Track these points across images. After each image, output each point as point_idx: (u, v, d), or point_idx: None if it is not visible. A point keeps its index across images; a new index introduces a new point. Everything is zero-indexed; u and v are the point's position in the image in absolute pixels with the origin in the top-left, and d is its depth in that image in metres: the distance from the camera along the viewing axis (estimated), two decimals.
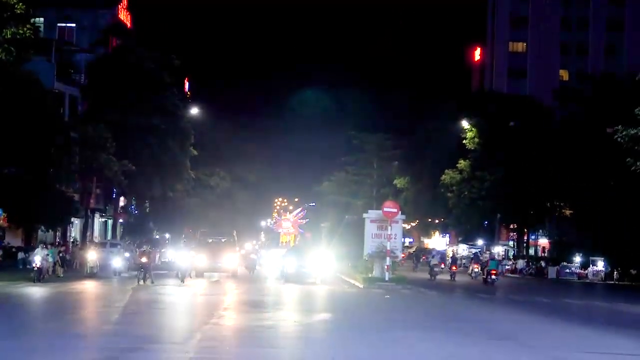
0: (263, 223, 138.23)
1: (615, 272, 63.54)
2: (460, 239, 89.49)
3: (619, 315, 30.92)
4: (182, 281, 38.18)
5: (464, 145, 72.50)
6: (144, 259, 38.91)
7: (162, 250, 60.00)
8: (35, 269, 35.69)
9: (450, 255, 66.58)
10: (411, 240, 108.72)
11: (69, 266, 43.26)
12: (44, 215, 46.52)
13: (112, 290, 34.05)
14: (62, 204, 48.22)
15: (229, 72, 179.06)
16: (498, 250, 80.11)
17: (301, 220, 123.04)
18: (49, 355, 15.49)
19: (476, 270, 54.96)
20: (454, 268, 53.26)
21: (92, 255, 42.93)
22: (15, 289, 31.90)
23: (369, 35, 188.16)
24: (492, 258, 56.33)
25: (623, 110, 42.64)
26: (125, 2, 73.44)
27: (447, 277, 51.98)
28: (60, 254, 41.76)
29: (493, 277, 47.45)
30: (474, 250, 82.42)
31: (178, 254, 41.10)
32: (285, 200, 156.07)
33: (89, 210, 60.29)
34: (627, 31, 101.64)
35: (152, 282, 37.41)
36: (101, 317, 23.52)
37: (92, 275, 41.41)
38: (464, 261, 79.45)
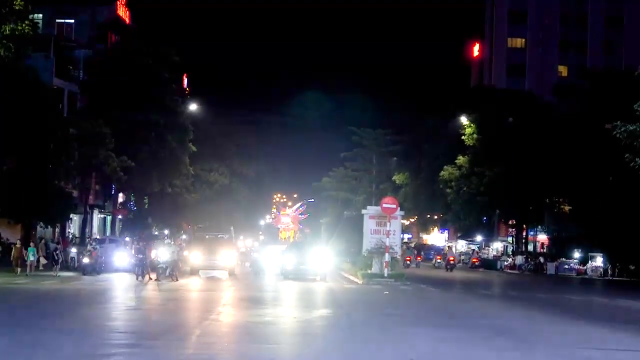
0: (262, 222, 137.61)
1: (614, 268, 63.57)
2: (459, 234, 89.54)
3: (619, 311, 30.93)
4: (158, 279, 36.55)
5: (463, 141, 72.49)
6: (140, 255, 38.77)
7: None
8: None
9: (446, 250, 75.04)
10: (410, 236, 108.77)
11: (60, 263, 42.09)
12: (42, 212, 46.41)
13: (105, 288, 33.99)
14: (61, 200, 48.11)
15: (228, 68, 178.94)
16: (497, 245, 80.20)
17: (301, 216, 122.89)
18: (47, 351, 15.48)
19: (439, 261, 67.32)
20: (419, 258, 70.12)
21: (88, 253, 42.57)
22: None
23: (368, 32, 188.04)
24: (407, 247, 69.53)
25: (622, 106, 42.58)
26: None
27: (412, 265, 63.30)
28: (57, 251, 41.09)
29: (408, 262, 59.79)
30: (473, 247, 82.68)
31: (160, 250, 39.36)
32: (284, 196, 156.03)
33: (87, 207, 60.26)
34: (626, 27, 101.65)
35: (150, 279, 37.39)
36: (101, 315, 23.51)
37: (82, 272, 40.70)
38: (462, 257, 79.70)
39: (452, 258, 63.91)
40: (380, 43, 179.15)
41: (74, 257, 43.12)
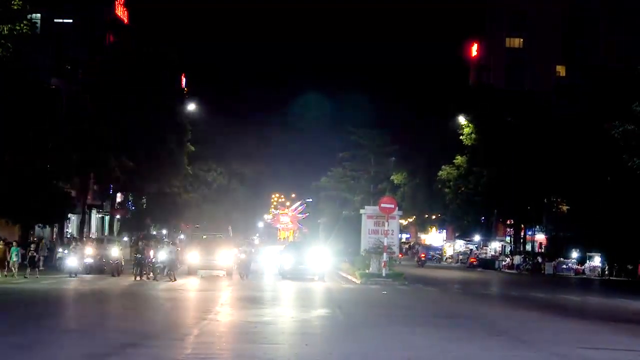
0: (260, 224, 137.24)
1: (612, 268, 63.60)
2: (457, 234, 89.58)
3: (617, 311, 30.96)
4: (155, 279, 36.70)
5: (461, 140, 72.50)
6: (139, 255, 38.63)
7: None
8: None
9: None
10: (408, 236, 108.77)
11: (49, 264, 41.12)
12: (41, 211, 46.30)
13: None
14: (59, 200, 48.03)
15: (228, 68, 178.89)
16: (495, 245, 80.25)
17: (300, 215, 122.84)
18: (48, 351, 15.49)
19: (422, 258, 71.31)
20: (400, 255, 71.24)
21: (88, 252, 42.24)
22: None
23: (368, 32, 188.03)
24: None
25: (621, 106, 42.58)
26: None
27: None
28: (36, 252, 39.81)
29: None
30: (471, 246, 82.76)
31: (158, 250, 38.98)
32: (282, 196, 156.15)
33: (86, 206, 60.22)
34: (626, 27, 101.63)
35: (148, 278, 37.36)
36: (100, 314, 23.53)
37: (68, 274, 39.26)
38: (460, 257, 79.80)
39: (422, 255, 72.59)
40: (380, 43, 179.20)
41: (61, 257, 42.53)
